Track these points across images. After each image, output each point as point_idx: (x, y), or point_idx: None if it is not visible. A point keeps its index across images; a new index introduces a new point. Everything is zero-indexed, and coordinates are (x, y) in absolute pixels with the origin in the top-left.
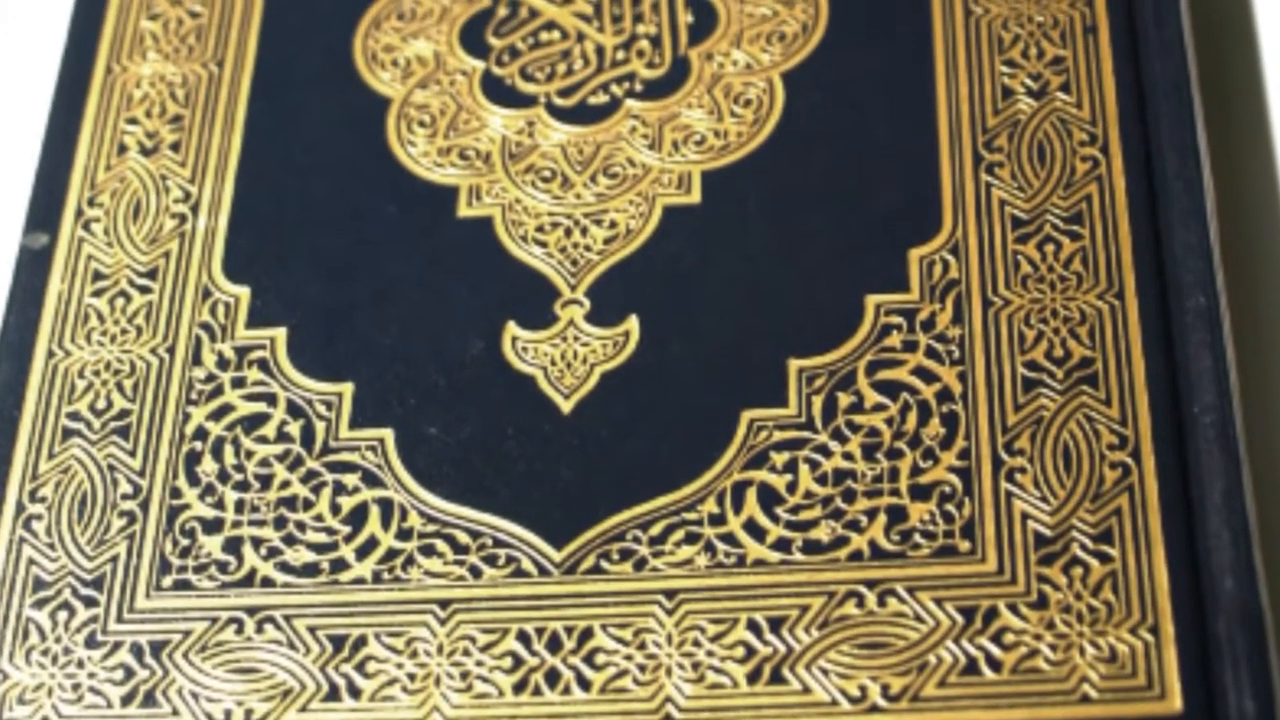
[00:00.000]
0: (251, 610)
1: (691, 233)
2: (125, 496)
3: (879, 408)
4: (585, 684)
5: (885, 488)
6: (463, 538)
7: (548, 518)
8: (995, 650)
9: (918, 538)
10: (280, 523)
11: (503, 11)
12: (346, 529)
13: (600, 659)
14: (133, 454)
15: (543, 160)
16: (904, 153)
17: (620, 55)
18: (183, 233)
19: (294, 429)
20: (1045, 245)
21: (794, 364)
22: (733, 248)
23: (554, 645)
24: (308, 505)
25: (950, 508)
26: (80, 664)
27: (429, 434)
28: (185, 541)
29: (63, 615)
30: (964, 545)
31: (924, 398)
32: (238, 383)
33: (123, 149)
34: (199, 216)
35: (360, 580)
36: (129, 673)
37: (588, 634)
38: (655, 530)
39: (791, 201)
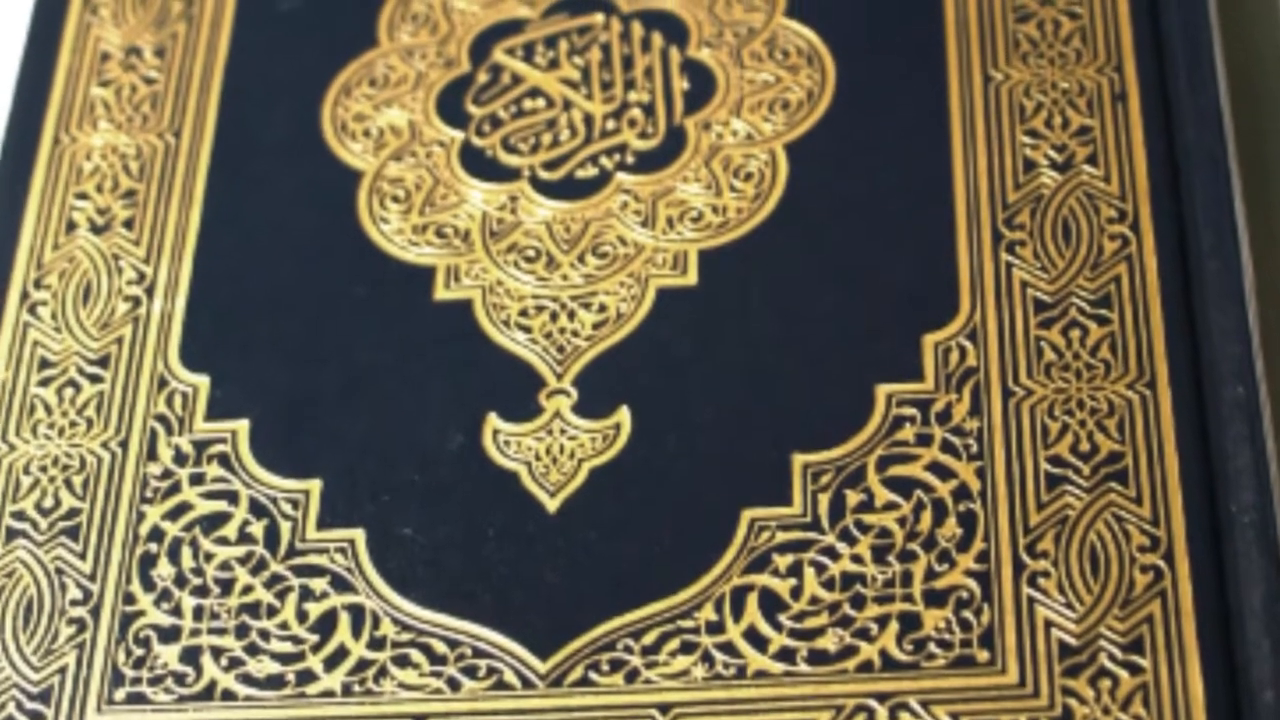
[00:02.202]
0: None
1: (687, 317)
2: (74, 602)
3: (890, 506)
4: None
5: (897, 593)
6: (440, 647)
7: (532, 625)
8: None
9: (932, 647)
10: (242, 631)
11: (483, 78)
12: (314, 638)
13: None
14: (83, 556)
15: (526, 238)
16: (917, 230)
17: (610, 125)
18: (136, 317)
19: (257, 529)
20: (1070, 330)
21: (798, 459)
22: (732, 333)
23: None
24: (272, 612)
25: (968, 615)
26: None
27: (403, 535)
28: (139, 651)
29: None
30: (983, 655)
31: (939, 496)
32: (196, 479)
33: (72, 226)
34: (154, 299)
35: (329, 693)
36: None
37: None
38: (648, 639)
39: (795, 283)
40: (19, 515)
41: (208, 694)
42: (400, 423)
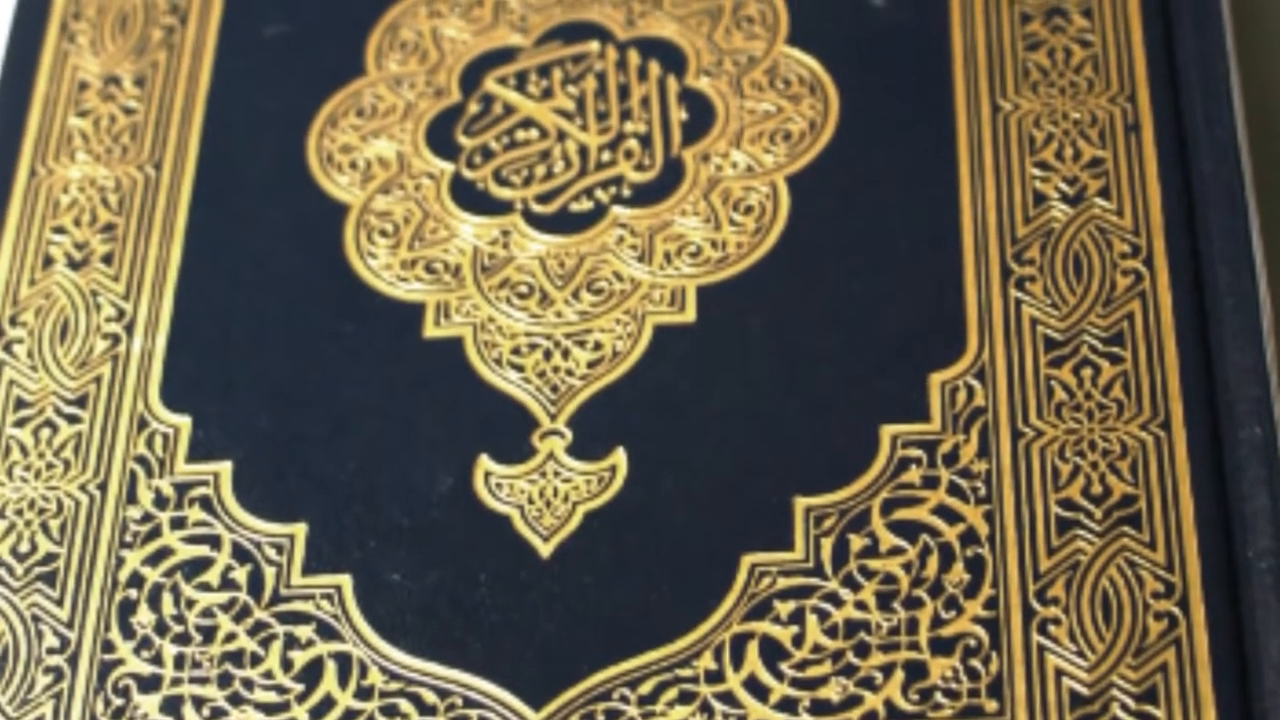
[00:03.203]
0: None
1: (685, 355)
2: (51, 650)
3: (896, 551)
4: None
5: (903, 641)
6: (429, 697)
7: (525, 674)
8: None
9: (939, 697)
10: (225, 680)
11: (474, 108)
12: (299, 687)
13: None
14: (60, 603)
15: (519, 274)
16: (923, 266)
17: (606, 156)
18: (116, 355)
19: (240, 575)
20: (1082, 369)
21: (800, 502)
22: (732, 372)
23: None
24: (256, 660)
25: (976, 663)
26: None
27: (391, 581)
28: (119, 701)
29: None
30: (991, 705)
31: (946, 540)
32: (177, 523)
33: (49, 261)
34: (134, 337)
35: None
36: None
37: None
38: (645, 689)
39: (797, 320)
40: None
41: None
42: (388, 465)
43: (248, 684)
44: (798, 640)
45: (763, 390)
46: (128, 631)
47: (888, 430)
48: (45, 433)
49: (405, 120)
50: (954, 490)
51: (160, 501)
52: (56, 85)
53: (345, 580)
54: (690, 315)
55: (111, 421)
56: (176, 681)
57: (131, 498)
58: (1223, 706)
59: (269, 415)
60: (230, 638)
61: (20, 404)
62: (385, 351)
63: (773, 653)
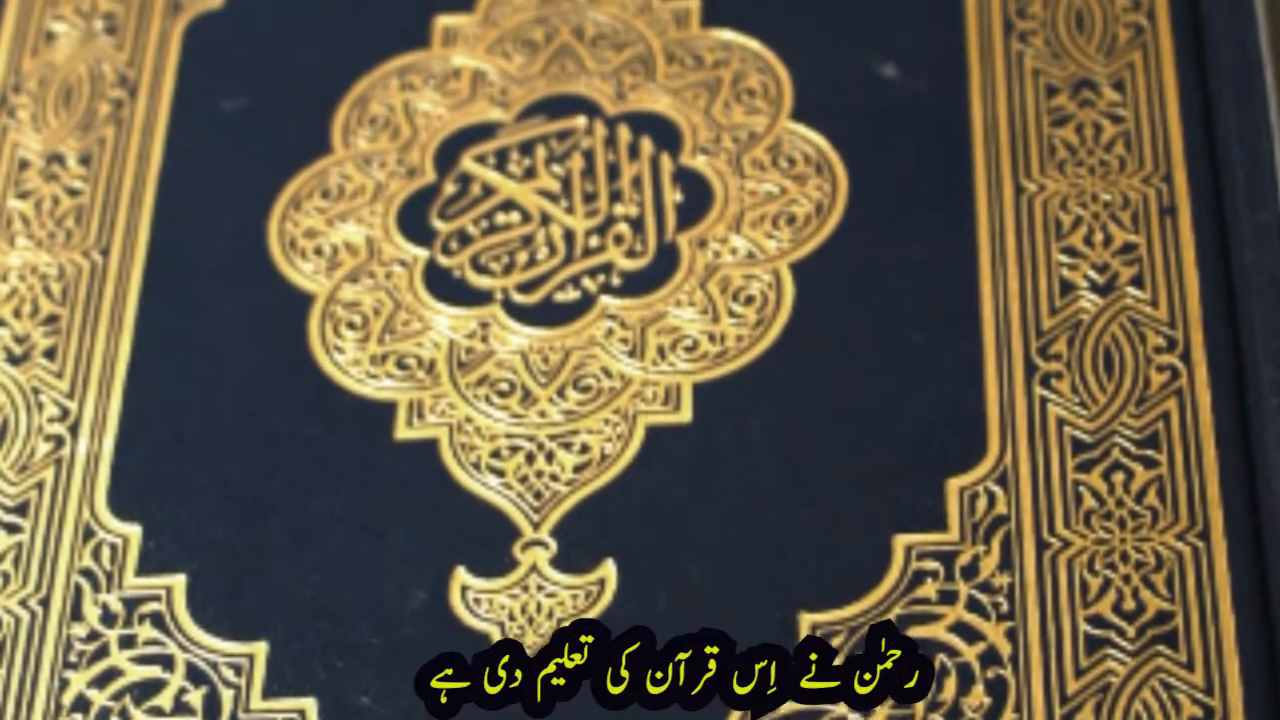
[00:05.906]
0: None
1: (681, 458)
2: None
3: None
4: None
5: None
6: None
7: None
8: None
9: None
10: None
11: (450, 188)
12: None
13: None
14: None
15: (499, 370)
16: (940, 361)
17: (594, 242)
18: (59, 458)
19: (195, 698)
20: (1113, 474)
21: (806, 619)
22: (731, 477)
23: None
24: None
25: None
26: None
27: (360, 704)
28: None
29: None
30: None
31: (965, 660)
32: (127, 642)
33: None
34: (79, 439)
35: None
36: None
37: None
38: None
39: (802, 421)
40: None
41: None
42: (356, 579)
43: None
44: None
45: (765, 497)
46: None
47: (901, 540)
48: None
49: (375, 202)
50: (974, 606)
51: (108, 618)
52: None
53: (310, 704)
54: (686, 415)
55: (54, 531)
56: None
57: (76, 614)
58: None
59: (226, 524)
60: None
61: None
62: (353, 455)
63: None
